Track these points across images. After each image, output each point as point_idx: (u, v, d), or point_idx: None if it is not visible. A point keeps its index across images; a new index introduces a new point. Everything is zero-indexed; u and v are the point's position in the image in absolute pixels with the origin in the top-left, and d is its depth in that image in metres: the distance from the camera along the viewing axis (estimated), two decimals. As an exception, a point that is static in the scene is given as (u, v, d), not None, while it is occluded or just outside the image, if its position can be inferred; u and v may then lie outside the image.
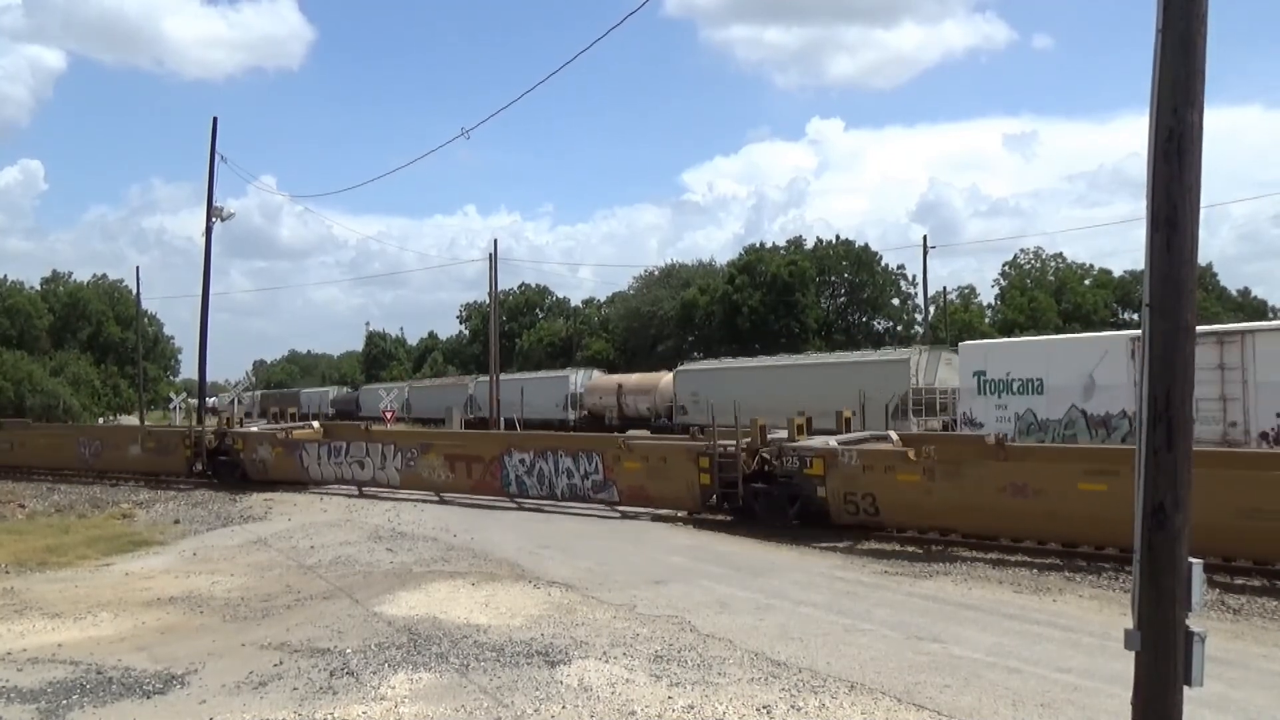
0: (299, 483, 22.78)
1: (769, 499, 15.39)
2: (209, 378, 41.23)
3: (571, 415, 46.87)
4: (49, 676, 8.09)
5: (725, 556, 13.32)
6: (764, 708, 6.86)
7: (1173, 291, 4.67)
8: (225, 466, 24.36)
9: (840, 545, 14.09)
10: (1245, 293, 68.10)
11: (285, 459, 23.34)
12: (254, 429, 25.82)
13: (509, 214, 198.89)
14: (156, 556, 14.80)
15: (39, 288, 75.42)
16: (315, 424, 26.72)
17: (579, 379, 48.95)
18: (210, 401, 76.85)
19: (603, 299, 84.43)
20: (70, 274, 79.99)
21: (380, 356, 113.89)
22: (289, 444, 23.67)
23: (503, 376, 53.42)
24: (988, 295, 71.34)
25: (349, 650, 8.59)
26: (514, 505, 19.05)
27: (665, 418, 40.64)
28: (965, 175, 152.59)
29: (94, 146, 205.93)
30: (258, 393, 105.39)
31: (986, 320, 65.00)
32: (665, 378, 43.51)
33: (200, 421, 36.43)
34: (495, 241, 55.12)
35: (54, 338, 70.60)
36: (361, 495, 21.33)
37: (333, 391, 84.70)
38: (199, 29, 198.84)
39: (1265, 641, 8.81)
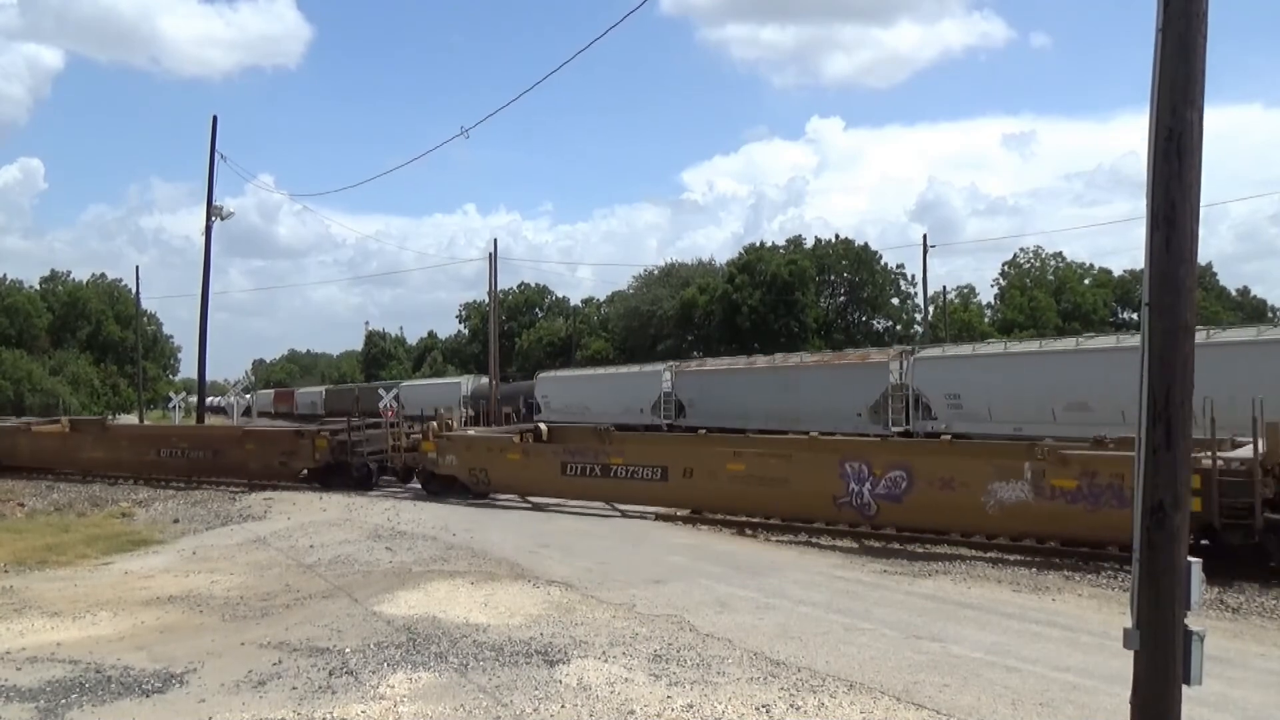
0: None
1: None
2: (208, 377, 41.25)
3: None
4: (48, 675, 8.08)
5: (725, 556, 13.31)
6: (763, 707, 6.86)
7: (1172, 290, 4.67)
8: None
9: (840, 545, 14.10)
10: (1244, 292, 68.31)
11: None
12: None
13: (508, 213, 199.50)
14: (156, 555, 14.79)
15: (38, 287, 75.53)
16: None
17: None
18: (215, 400, 76.19)
19: (602, 298, 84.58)
20: (69, 273, 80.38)
21: (380, 356, 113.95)
22: None
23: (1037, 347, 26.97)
24: (987, 294, 71.55)
25: (348, 649, 8.58)
26: (514, 505, 19.03)
27: None
28: (964, 174, 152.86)
29: (92, 145, 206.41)
30: (321, 389, 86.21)
31: (986, 319, 65.09)
32: None
33: (200, 419, 35.87)
34: (495, 241, 55.26)
35: (53, 337, 70.68)
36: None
37: (468, 383, 58.69)
38: (195, 28, 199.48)
39: (1264, 640, 8.81)
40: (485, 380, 59.70)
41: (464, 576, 11.84)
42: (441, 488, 20.19)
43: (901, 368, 29.59)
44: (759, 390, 33.27)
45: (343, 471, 22.35)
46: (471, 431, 22.03)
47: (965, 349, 30.10)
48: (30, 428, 30.30)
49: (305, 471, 23.11)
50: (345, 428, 23.06)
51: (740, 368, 36.53)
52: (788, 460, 15.75)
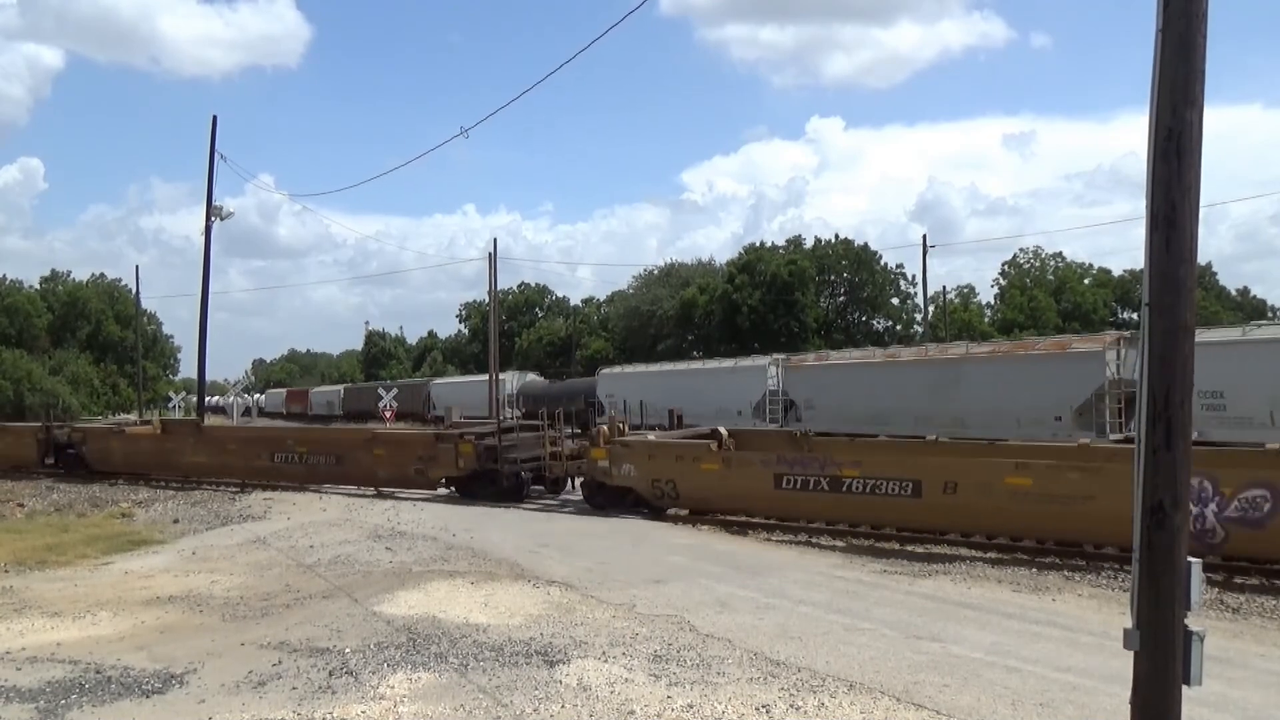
0: None
1: None
2: (209, 377, 41.20)
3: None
4: (48, 675, 8.08)
5: (725, 556, 13.31)
6: (763, 707, 6.86)
7: (1172, 291, 4.67)
8: None
9: (840, 544, 14.10)
10: (1244, 292, 68.48)
11: None
12: None
13: (508, 213, 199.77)
14: (156, 555, 14.80)
15: (38, 287, 75.53)
16: None
17: None
18: (215, 400, 75.86)
19: (602, 298, 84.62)
20: (69, 273, 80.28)
21: (380, 356, 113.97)
22: None
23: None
24: (987, 294, 71.59)
25: (348, 650, 8.58)
26: (513, 505, 18.94)
27: None
28: (964, 174, 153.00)
29: (92, 145, 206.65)
30: (339, 388, 76.32)
31: (986, 319, 65.11)
32: None
33: (200, 419, 35.52)
34: (495, 241, 55.18)
35: (53, 337, 70.66)
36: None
37: (514, 380, 51.83)
38: (195, 28, 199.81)
39: (1264, 640, 8.81)
40: (534, 377, 54.18)
41: (464, 576, 11.84)
42: (611, 501, 17.74)
43: (1120, 358, 23.58)
44: (904, 388, 27.61)
45: (489, 481, 19.96)
46: (652, 436, 18.93)
47: (1231, 333, 22.96)
48: (124, 430, 28.43)
49: (444, 480, 20.88)
50: (494, 431, 20.63)
51: (876, 361, 30.85)
52: (1094, 474, 12.45)
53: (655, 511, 17.17)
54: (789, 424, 30.32)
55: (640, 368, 44.50)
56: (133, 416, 53.90)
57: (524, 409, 47.05)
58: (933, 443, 15.77)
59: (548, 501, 19.69)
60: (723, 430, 17.84)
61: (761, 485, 15.53)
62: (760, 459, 15.94)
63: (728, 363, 38.81)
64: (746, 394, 33.44)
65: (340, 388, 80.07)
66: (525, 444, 20.29)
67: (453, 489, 20.74)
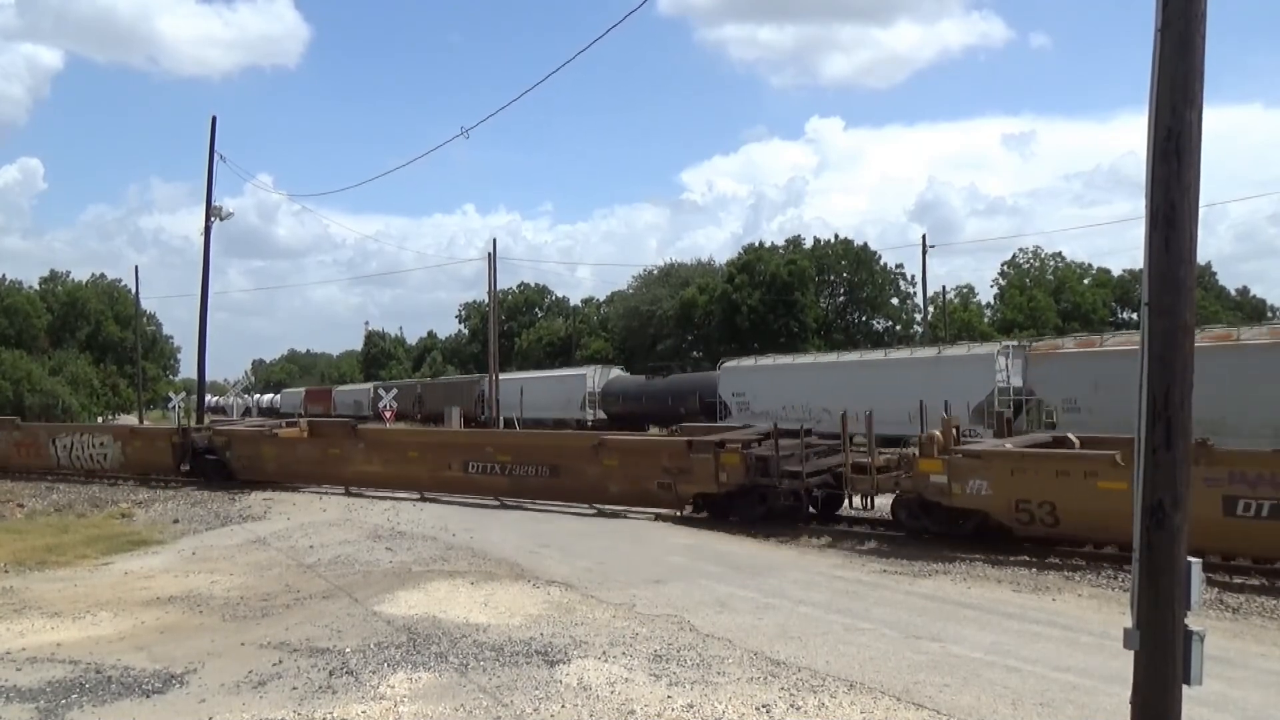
0: None
1: None
2: (208, 377, 41.20)
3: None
4: (48, 676, 8.08)
5: (725, 556, 13.31)
6: (763, 707, 6.86)
7: (1171, 290, 4.68)
8: None
9: (841, 544, 14.09)
10: (1244, 292, 68.58)
11: None
12: None
13: (508, 213, 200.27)
14: (156, 556, 14.80)
15: (37, 287, 75.62)
16: None
17: None
18: (214, 400, 75.69)
19: (602, 298, 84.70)
20: (69, 273, 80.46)
21: (379, 356, 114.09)
22: None
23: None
24: (986, 294, 71.63)
25: (348, 649, 8.58)
26: (510, 504, 18.98)
27: None
28: (964, 174, 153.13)
29: (92, 145, 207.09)
30: (368, 387, 71.24)
31: (985, 319, 65.13)
32: None
33: (200, 419, 35.37)
34: (495, 241, 55.02)
35: (53, 337, 70.73)
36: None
37: (596, 376, 45.07)
38: (194, 28, 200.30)
39: (1264, 640, 8.81)
40: (620, 373, 46.72)
41: (464, 576, 11.85)
42: (945, 525, 13.71)
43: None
44: (1254, 383, 20.46)
45: (757, 499, 15.95)
46: (1009, 445, 14.36)
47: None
48: (275, 433, 24.97)
49: (692, 496, 16.88)
50: (767, 436, 16.71)
51: (1204, 346, 20.27)
52: None
53: (1025, 540, 13.25)
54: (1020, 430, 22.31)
55: (784, 359, 36.91)
56: (133, 417, 53.76)
57: (610, 411, 42.22)
58: None
59: (823, 533, 15.10)
60: (1072, 437, 14.38)
61: (1200, 511, 11.35)
62: (1204, 475, 11.33)
63: (926, 352, 31.45)
64: (962, 392, 26.05)
65: (369, 386, 74.59)
66: (801, 454, 16.23)
67: (694, 509, 17.03)
